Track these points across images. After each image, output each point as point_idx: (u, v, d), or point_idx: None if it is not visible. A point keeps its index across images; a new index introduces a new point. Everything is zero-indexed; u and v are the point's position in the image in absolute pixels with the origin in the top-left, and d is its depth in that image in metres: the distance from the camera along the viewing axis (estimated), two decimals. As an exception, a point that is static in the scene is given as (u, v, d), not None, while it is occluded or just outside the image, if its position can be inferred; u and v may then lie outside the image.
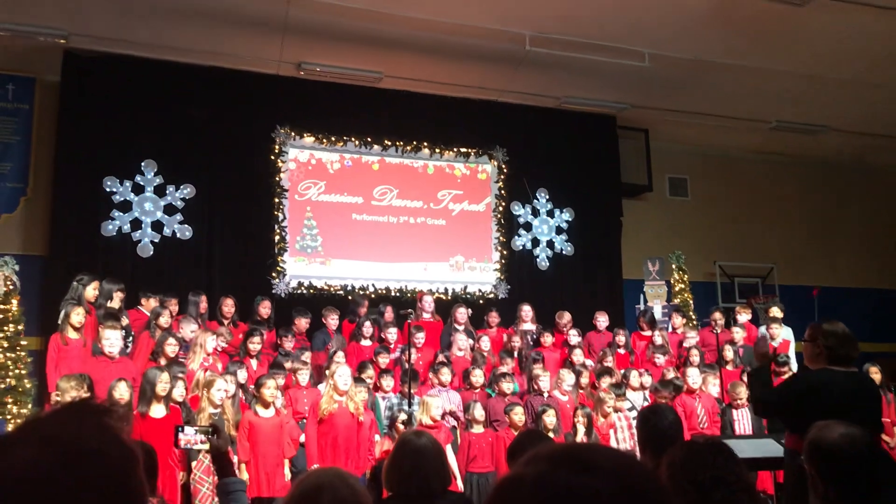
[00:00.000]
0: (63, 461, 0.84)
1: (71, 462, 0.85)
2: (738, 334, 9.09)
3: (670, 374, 8.28)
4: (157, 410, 5.97)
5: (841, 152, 12.81)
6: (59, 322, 6.82)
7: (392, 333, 8.35)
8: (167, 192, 9.25)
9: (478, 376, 7.67)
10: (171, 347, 6.85)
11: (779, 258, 12.54)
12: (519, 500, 0.92)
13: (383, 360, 7.77)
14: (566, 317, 9.29)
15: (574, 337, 8.92)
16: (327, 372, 7.01)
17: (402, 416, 6.67)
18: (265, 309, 8.38)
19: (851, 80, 10.05)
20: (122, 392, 5.97)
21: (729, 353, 8.58)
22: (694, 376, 7.91)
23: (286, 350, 7.65)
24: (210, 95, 9.46)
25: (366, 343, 8.21)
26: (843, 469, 2.57)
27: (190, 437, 2.85)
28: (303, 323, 8.34)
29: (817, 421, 2.76)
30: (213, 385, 6.05)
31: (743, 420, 7.63)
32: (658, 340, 9.00)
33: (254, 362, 7.41)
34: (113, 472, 0.87)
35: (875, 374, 7.97)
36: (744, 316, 9.64)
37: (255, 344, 7.45)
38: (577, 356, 8.44)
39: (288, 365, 7.23)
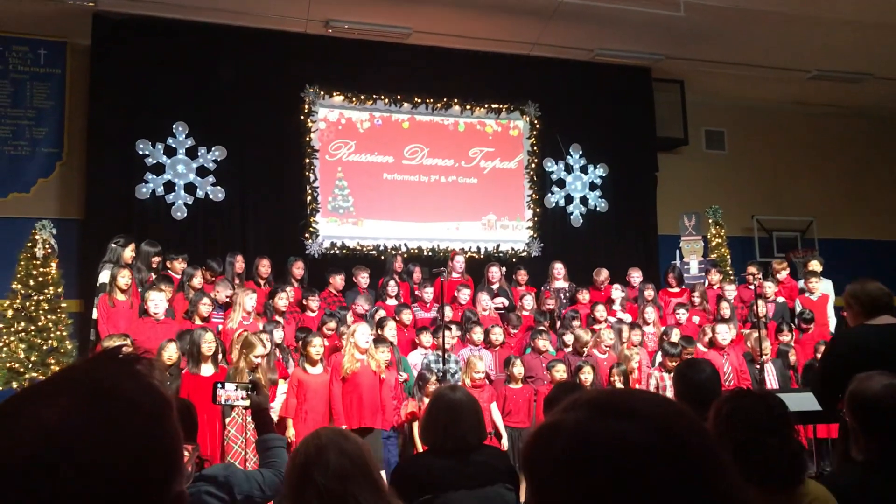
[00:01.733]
0: (97, 408, 0.84)
1: (105, 409, 0.85)
2: (770, 289, 8.94)
3: (708, 331, 8.15)
4: (206, 370, 6.09)
5: (883, 101, 12.41)
6: (107, 284, 6.94)
7: (429, 293, 8.36)
8: (199, 154, 9.28)
9: (497, 334, 7.64)
10: (206, 307, 6.94)
11: (818, 212, 12.29)
12: (556, 447, 0.88)
13: (407, 317, 7.78)
14: (604, 273, 9.29)
15: (617, 291, 8.86)
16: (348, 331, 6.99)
17: (432, 378, 6.66)
18: (298, 269, 8.42)
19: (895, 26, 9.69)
20: (171, 353, 6.11)
21: (763, 308, 8.43)
22: (723, 332, 7.75)
23: (314, 310, 7.68)
24: (239, 55, 9.44)
25: (391, 302, 8.25)
26: (886, 421, 2.51)
27: (231, 392, 2.87)
28: (338, 281, 8.40)
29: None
30: (254, 348, 6.10)
31: (769, 375, 7.56)
32: (697, 299, 8.87)
33: (279, 320, 7.40)
34: (146, 419, 0.87)
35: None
36: (782, 273, 9.46)
37: (282, 300, 7.49)
38: (599, 312, 8.30)
39: (333, 325, 7.26)
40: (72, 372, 0.90)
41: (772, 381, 7.53)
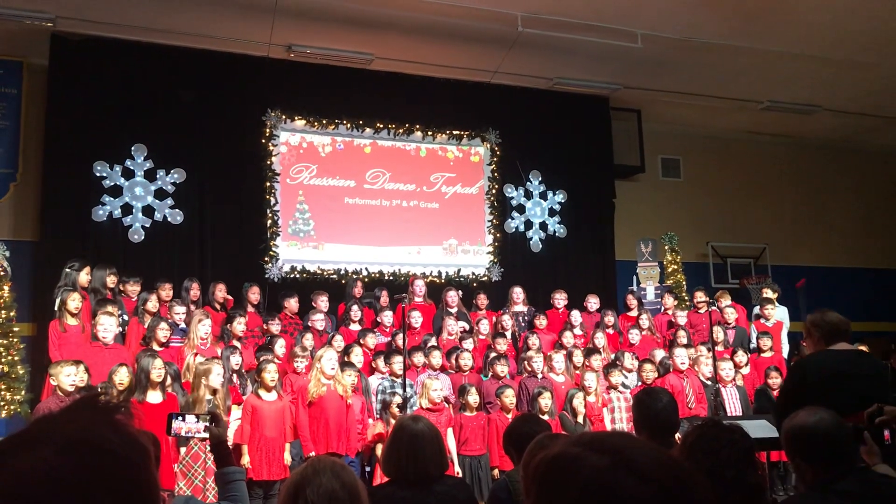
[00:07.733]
0: (78, 460, 0.85)
1: (86, 461, 0.85)
2: (731, 316, 9.08)
3: (659, 355, 8.28)
4: (154, 397, 5.97)
5: (833, 132, 12.82)
6: (56, 309, 6.79)
7: (388, 317, 8.37)
8: (157, 176, 9.19)
9: (466, 359, 7.66)
10: (164, 332, 6.84)
11: (771, 238, 12.58)
12: (574, 483, 0.92)
13: (371, 340, 7.79)
14: (561, 295, 9.35)
15: (576, 318, 8.94)
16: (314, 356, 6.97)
17: (397, 400, 6.66)
18: (254, 295, 8.36)
19: (844, 61, 10.04)
20: (123, 377, 5.99)
21: (720, 334, 8.58)
22: (682, 356, 7.92)
23: (274, 334, 7.63)
24: (200, 78, 9.40)
25: (355, 327, 8.23)
26: (826, 449, 2.62)
27: (191, 425, 2.82)
28: (293, 304, 8.35)
29: (821, 398, 2.79)
30: (211, 372, 6.02)
31: (732, 399, 7.69)
32: (645, 323, 9.01)
33: (237, 345, 7.31)
34: (127, 470, 0.87)
35: (864, 353, 8.00)
36: (725, 301, 9.54)
37: (240, 325, 7.42)
38: (567, 338, 8.44)
39: (282, 351, 7.21)
40: (51, 422, 0.90)
41: (735, 405, 7.64)
